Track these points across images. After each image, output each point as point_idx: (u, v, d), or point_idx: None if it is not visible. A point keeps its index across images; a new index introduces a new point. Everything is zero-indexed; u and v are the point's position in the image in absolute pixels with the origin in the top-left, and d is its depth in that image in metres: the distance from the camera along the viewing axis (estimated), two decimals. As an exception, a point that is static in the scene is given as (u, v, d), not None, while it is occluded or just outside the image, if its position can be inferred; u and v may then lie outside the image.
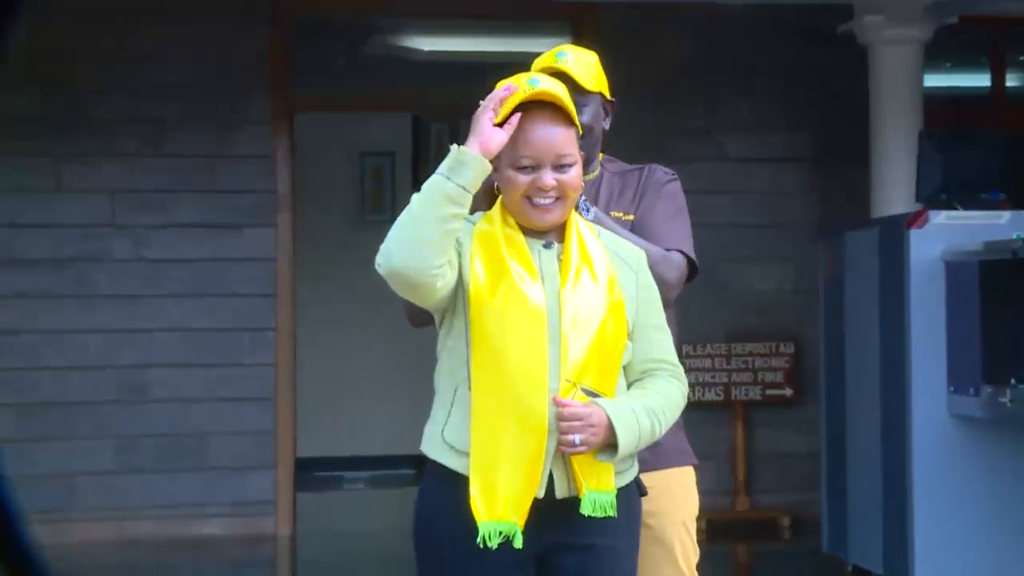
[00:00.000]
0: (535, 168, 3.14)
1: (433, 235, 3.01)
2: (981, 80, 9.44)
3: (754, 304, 8.66)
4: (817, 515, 7.51)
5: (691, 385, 3.41)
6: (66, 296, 8.16)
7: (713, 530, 8.22)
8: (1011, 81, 9.45)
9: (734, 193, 8.69)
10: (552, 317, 3.08)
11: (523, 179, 3.14)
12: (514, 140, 3.14)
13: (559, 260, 3.16)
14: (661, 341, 3.26)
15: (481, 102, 3.10)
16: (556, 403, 3.03)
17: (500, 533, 3.02)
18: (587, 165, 3.69)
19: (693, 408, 3.37)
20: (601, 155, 3.80)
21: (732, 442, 8.54)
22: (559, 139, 3.15)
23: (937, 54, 8.47)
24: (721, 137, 8.75)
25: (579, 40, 8.58)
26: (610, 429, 3.05)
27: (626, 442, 3.07)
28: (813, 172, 8.69)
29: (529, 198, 3.14)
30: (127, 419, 8.18)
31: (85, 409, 8.16)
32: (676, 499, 3.65)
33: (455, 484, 3.08)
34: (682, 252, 3.61)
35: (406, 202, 3.05)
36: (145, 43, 8.26)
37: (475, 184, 3.03)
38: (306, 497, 9.11)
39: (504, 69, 3.35)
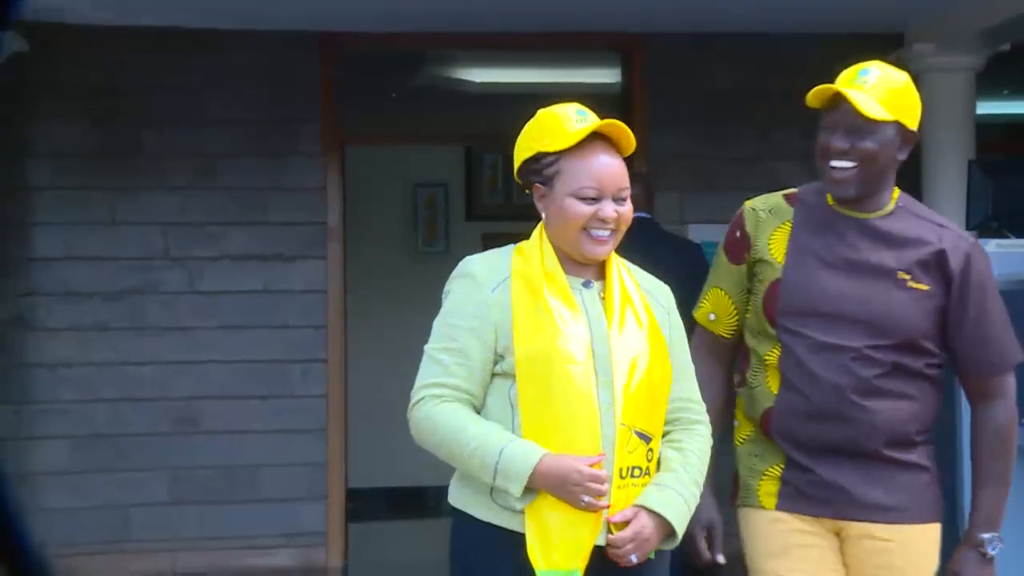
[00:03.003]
0: (597, 199, 3.09)
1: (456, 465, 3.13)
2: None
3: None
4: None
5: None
6: (120, 328, 8.19)
7: None
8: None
9: (786, 222, 8.63)
10: (602, 361, 3.03)
11: (585, 209, 3.09)
12: (576, 169, 3.11)
13: (601, 299, 3.12)
14: (688, 380, 3.24)
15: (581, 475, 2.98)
16: (609, 521, 3.00)
17: None
18: (872, 196, 3.53)
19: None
20: (897, 191, 3.63)
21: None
22: (620, 171, 3.13)
23: (991, 81, 8.40)
24: (773, 165, 8.70)
25: (627, 69, 8.57)
26: (661, 522, 3.04)
27: (682, 530, 3.10)
28: (865, 200, 8.63)
29: (587, 229, 3.10)
30: (180, 451, 8.19)
31: (138, 441, 8.18)
32: (911, 559, 3.71)
33: (500, 531, 3.06)
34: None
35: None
36: (196, 76, 8.31)
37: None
38: (358, 528, 9.10)
39: (553, 99, 3.35)
